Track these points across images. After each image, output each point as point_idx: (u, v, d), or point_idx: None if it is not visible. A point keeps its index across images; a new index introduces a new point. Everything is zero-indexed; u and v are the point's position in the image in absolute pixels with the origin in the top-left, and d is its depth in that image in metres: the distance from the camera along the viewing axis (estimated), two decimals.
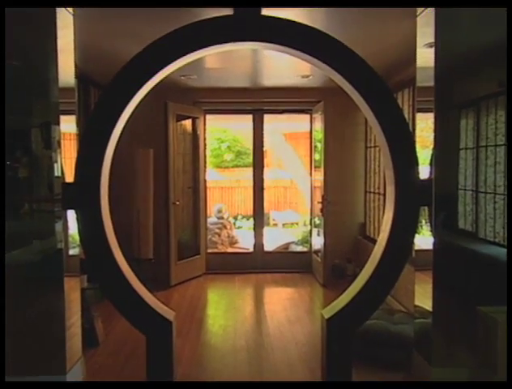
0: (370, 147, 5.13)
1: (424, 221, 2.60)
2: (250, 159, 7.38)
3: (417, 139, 2.67)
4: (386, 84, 2.53)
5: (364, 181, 5.29)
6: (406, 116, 3.63)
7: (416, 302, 2.70)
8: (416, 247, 2.62)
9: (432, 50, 2.41)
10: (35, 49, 2.35)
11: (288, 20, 2.45)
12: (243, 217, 9.57)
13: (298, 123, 7.85)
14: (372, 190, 5.08)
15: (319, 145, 5.31)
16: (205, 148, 5.54)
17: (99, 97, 4.17)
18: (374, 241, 3.55)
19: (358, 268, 4.39)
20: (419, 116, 2.79)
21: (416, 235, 2.51)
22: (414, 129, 2.91)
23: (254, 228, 5.69)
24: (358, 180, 5.33)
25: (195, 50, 2.49)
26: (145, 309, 2.58)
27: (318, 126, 5.21)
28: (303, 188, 9.96)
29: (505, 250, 2.53)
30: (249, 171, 5.78)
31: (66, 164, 2.45)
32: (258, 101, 5.37)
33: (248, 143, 10.91)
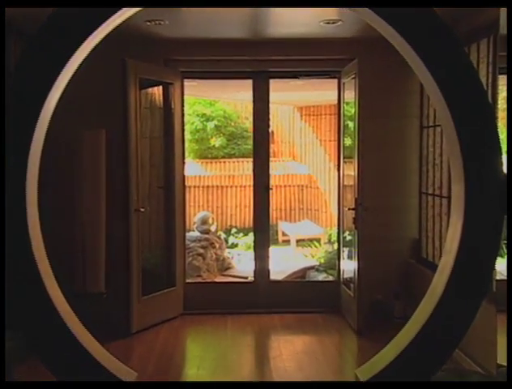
0: (428, 126, 5.10)
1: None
2: (249, 145, 7.32)
3: (499, 115, 2.63)
4: (454, 33, 2.50)
5: (418, 178, 5.26)
6: (483, 80, 3.59)
7: (499, 360, 2.67)
8: (498, 277, 2.59)
9: None
10: None
11: None
12: (239, 231, 9.56)
13: (320, 92, 7.86)
14: (430, 190, 5.04)
15: (351, 124, 5.27)
16: (183, 129, 5.51)
17: (22, 52, 4.17)
18: (434, 267, 3.50)
19: (410, 307, 4.34)
20: (502, 79, 2.75)
21: (498, 258, 2.47)
22: (495, 99, 2.88)
23: (255, 248, 5.67)
24: (409, 176, 5.30)
25: None
26: (92, 368, 2.56)
27: (350, 95, 5.18)
28: (327, 188, 10.00)
29: None
30: (248, 163, 5.77)
31: None
32: (261, 59, 5.35)
33: (246, 122, 10.97)
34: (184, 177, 5.54)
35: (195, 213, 8.67)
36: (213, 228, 7.97)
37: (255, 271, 5.66)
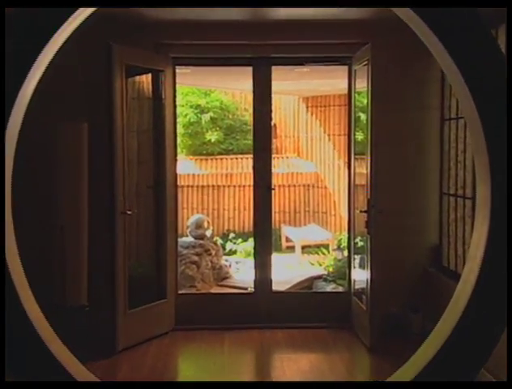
0: (450, 119, 5.10)
1: None
2: (249, 140, 7.31)
3: None
4: (479, 13, 2.50)
5: (439, 177, 5.27)
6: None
7: None
8: None
9: None
10: None
11: None
12: (237, 236, 9.55)
13: (328, 81, 7.85)
14: (452, 190, 5.04)
15: (363, 117, 5.27)
16: (175, 122, 5.52)
17: None
18: (457, 277, 3.50)
19: (429, 322, 4.33)
20: None
21: None
22: None
23: (256, 255, 5.67)
24: (429, 174, 5.31)
25: None
26: None
27: (362, 84, 5.18)
28: (335, 188, 9.99)
29: None
30: (248, 160, 5.77)
31: None
32: (263, 44, 5.35)
33: (245, 114, 10.96)
34: (176, 175, 5.54)
35: (189, 216, 8.66)
36: (208, 233, 7.95)
37: (256, 281, 5.65)
